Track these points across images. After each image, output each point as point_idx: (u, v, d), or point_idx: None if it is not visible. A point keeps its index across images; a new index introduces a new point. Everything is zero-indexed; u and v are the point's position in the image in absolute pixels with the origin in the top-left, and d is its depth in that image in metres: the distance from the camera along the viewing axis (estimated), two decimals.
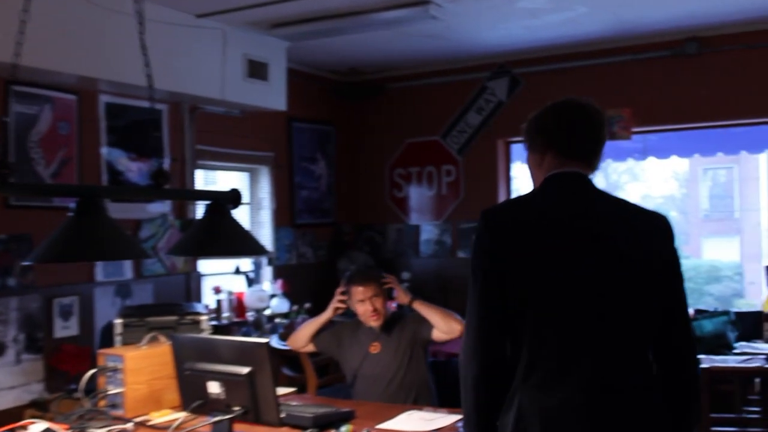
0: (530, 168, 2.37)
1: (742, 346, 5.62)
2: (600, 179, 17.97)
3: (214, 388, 3.01)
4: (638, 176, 26.76)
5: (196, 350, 3.14)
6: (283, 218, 6.86)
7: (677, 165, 25.80)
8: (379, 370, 4.02)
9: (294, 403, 3.50)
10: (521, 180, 7.31)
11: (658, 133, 6.80)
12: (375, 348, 4.06)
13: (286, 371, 5.38)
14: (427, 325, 3.97)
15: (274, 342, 5.41)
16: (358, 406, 3.55)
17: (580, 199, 2.22)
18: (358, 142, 7.68)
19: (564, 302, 2.10)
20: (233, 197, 3.22)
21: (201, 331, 3.94)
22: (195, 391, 3.08)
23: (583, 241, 2.14)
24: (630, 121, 6.44)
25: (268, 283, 6.62)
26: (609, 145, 2.52)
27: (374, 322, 4.05)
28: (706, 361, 4.75)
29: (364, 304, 4.03)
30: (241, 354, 2.96)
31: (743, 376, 4.68)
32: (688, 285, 12.63)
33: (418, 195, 7.43)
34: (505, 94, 6.99)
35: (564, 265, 2.12)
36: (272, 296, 6.44)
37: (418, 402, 3.89)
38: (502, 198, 7.14)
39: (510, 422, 2.08)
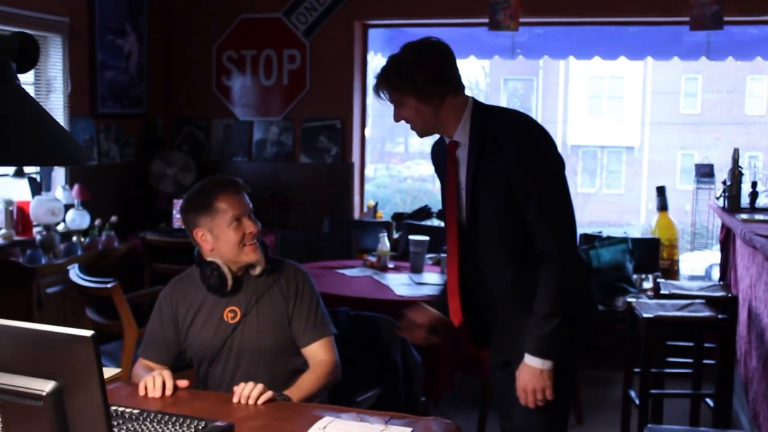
0: (427, 115, 2.35)
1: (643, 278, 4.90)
2: None
3: None
4: None
5: None
6: (80, 106, 5.32)
7: (473, 72, 25.67)
8: (246, 345, 2.59)
9: (125, 411, 2.14)
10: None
11: (534, 27, 5.87)
12: (233, 314, 2.60)
13: (93, 315, 3.97)
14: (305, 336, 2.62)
15: (74, 273, 3.97)
16: (235, 410, 2.25)
17: None
18: (178, 13, 6.12)
19: None
20: (22, 49, 1.76)
21: None
22: None
23: None
24: (518, 10, 5.40)
25: (60, 190, 5.09)
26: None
27: (254, 254, 2.57)
28: (646, 308, 3.89)
29: (241, 224, 2.57)
30: (39, 356, 1.57)
31: (698, 327, 3.88)
32: None
33: (252, 84, 6.05)
34: None
35: None
36: (67, 207, 4.93)
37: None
38: (357, 93, 5.94)
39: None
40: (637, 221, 18.16)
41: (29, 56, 1.71)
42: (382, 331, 3.10)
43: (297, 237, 5.48)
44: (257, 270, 2.58)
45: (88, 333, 1.53)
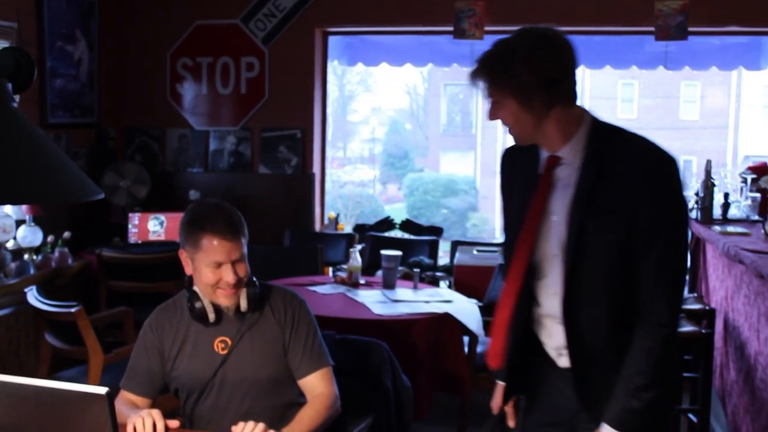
0: (525, 122, 1.96)
1: None
2: (334, 89, 17.01)
3: None
4: (370, 87, 26.34)
5: None
6: (29, 116, 4.92)
7: (410, 77, 25.71)
8: (238, 377, 2.42)
9: None
10: (335, 83, 5.99)
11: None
12: (223, 345, 2.43)
13: (53, 340, 3.73)
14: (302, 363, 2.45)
15: (33, 296, 3.73)
16: None
17: None
18: (131, 19, 5.88)
19: None
20: (17, 66, 1.58)
21: None
22: None
23: None
24: (483, 18, 5.32)
25: (10, 206, 4.81)
26: None
27: (226, 300, 2.39)
28: None
29: (220, 269, 2.38)
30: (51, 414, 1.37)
31: (683, 342, 3.81)
32: (427, 198, 12.42)
33: (209, 93, 5.85)
34: None
35: None
36: (18, 223, 4.68)
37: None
38: (318, 102, 5.78)
39: None
40: None
41: (25, 74, 1.53)
42: (371, 355, 2.97)
43: (258, 251, 5.24)
44: (243, 306, 2.40)
45: (102, 390, 1.37)
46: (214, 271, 2.35)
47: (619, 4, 5.24)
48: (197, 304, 2.39)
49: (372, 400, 2.87)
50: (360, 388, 2.85)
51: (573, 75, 1.94)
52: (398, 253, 4.38)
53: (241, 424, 2.14)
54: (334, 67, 6.32)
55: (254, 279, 2.44)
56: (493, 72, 1.91)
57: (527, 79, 1.87)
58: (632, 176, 1.89)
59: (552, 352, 2.12)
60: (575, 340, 2.02)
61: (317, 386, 2.43)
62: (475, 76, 1.95)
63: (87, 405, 1.38)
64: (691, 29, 5.17)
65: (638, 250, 1.91)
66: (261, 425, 2.12)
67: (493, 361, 2.13)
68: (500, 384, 2.27)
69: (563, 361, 2.08)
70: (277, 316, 2.47)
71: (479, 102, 23.47)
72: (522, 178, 2.10)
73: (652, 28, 5.20)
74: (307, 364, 2.44)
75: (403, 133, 25.91)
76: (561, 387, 2.12)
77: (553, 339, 2.09)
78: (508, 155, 2.20)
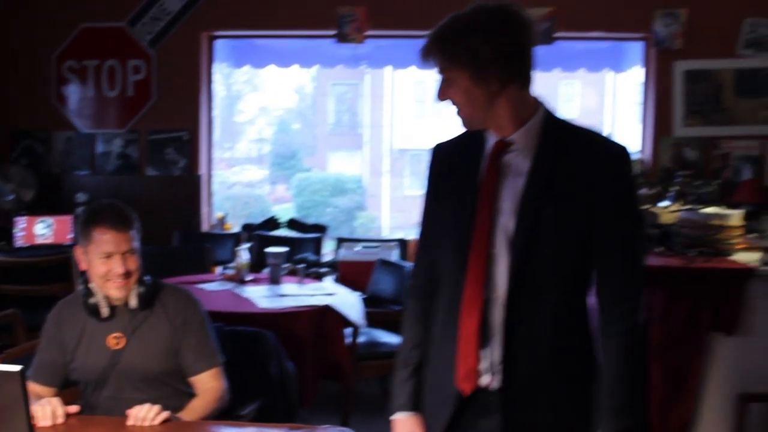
0: (475, 100, 1.81)
1: None
2: (221, 89, 16.99)
3: None
4: (257, 87, 26.30)
5: None
6: None
7: (299, 77, 25.80)
8: (131, 371, 2.59)
9: None
10: (222, 83, 6.15)
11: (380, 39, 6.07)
12: (117, 340, 2.59)
13: None
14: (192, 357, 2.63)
15: None
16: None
17: None
18: (14, 20, 5.90)
19: None
20: None
21: None
22: None
23: None
24: (364, 22, 5.59)
25: None
26: None
27: (116, 291, 2.56)
28: None
29: (110, 260, 2.53)
30: None
31: None
32: (315, 198, 12.55)
33: (95, 96, 5.91)
34: None
35: None
36: None
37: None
38: (204, 104, 5.93)
39: None
40: None
41: None
42: (257, 344, 3.18)
43: (147, 252, 5.36)
44: (132, 303, 2.57)
45: (17, 368, 1.55)
46: (104, 262, 2.51)
47: None
48: (91, 300, 2.55)
49: (259, 386, 3.08)
50: (247, 374, 3.06)
51: (530, 54, 1.79)
52: (283, 249, 4.59)
53: (136, 407, 2.32)
54: (221, 67, 6.46)
55: (146, 277, 2.62)
56: (446, 45, 1.76)
57: (482, 50, 1.72)
58: (592, 167, 1.79)
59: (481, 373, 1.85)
60: (513, 357, 1.81)
61: (208, 382, 2.63)
62: (426, 51, 1.80)
63: (1, 383, 1.55)
64: (558, 34, 5.58)
65: (600, 242, 1.80)
66: (156, 407, 2.31)
67: (466, 383, 1.84)
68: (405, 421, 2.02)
69: (494, 382, 1.84)
70: (169, 315, 2.63)
71: (367, 101, 23.83)
72: (456, 175, 1.91)
73: None
74: (198, 363, 2.63)
75: (291, 133, 25.97)
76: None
77: (487, 357, 1.84)
78: (441, 150, 2.00)
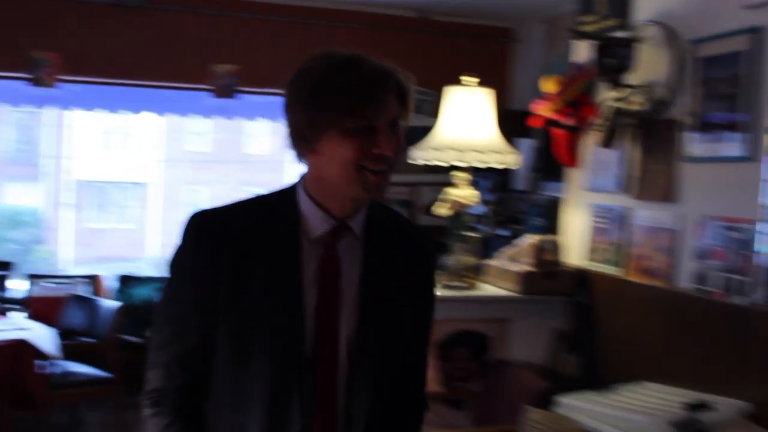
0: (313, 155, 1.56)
1: None
2: None
3: None
4: None
5: None
6: None
7: None
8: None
9: None
10: None
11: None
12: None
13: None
14: None
15: None
16: None
17: None
18: None
19: None
20: None
21: None
22: None
23: None
24: (58, 68, 5.81)
25: None
26: None
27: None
28: None
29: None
30: None
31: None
32: None
33: None
34: None
35: None
36: None
37: None
38: None
39: None
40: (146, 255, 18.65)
41: None
42: None
43: None
44: None
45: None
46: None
47: (181, 64, 6.02)
48: None
49: None
50: None
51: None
52: None
53: None
54: None
55: None
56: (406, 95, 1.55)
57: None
58: (410, 254, 1.67)
59: None
60: None
61: None
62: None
63: None
64: (241, 89, 6.18)
65: (411, 333, 1.67)
66: None
67: None
68: None
69: None
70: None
71: (45, 131, 22.84)
72: (264, 260, 1.54)
73: (213, 87, 6.11)
74: None
75: None
76: None
77: None
78: (219, 225, 1.57)
